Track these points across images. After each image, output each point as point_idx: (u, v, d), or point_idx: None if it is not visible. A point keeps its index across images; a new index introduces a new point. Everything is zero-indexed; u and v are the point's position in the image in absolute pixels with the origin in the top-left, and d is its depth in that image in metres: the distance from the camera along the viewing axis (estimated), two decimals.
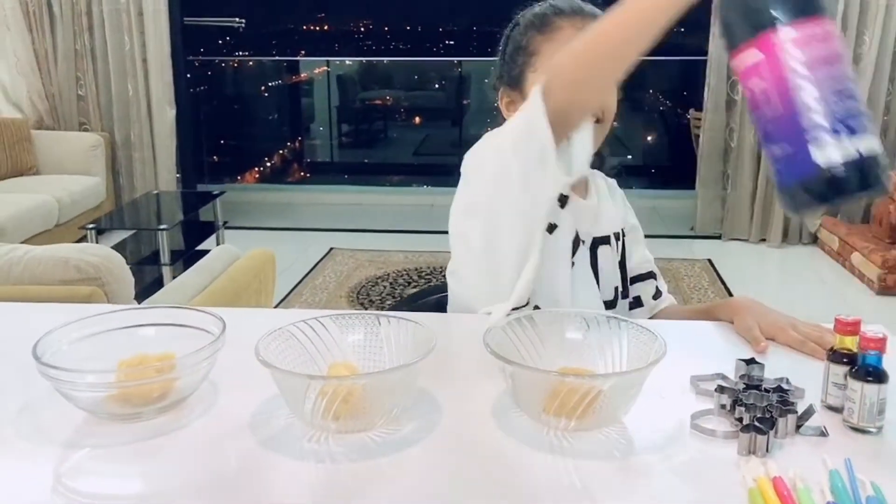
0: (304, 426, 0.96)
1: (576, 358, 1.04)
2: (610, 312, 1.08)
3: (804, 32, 0.76)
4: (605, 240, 1.39)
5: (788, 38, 0.76)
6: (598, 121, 1.31)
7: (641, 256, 1.51)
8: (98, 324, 1.08)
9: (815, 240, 5.26)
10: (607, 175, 1.52)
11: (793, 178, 0.79)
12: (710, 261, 4.98)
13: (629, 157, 7.84)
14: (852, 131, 0.76)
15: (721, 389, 1.01)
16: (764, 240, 5.33)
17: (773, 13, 0.77)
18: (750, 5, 0.79)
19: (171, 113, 5.50)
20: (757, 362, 1.09)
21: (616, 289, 1.41)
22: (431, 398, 1.04)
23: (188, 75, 5.93)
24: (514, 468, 0.91)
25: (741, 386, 1.02)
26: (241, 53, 7.82)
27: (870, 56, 4.89)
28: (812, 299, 4.44)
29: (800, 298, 4.45)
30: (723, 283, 4.60)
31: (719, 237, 5.42)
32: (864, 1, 4.85)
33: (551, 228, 1.27)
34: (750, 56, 0.79)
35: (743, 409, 0.96)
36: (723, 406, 1.00)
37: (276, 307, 3.50)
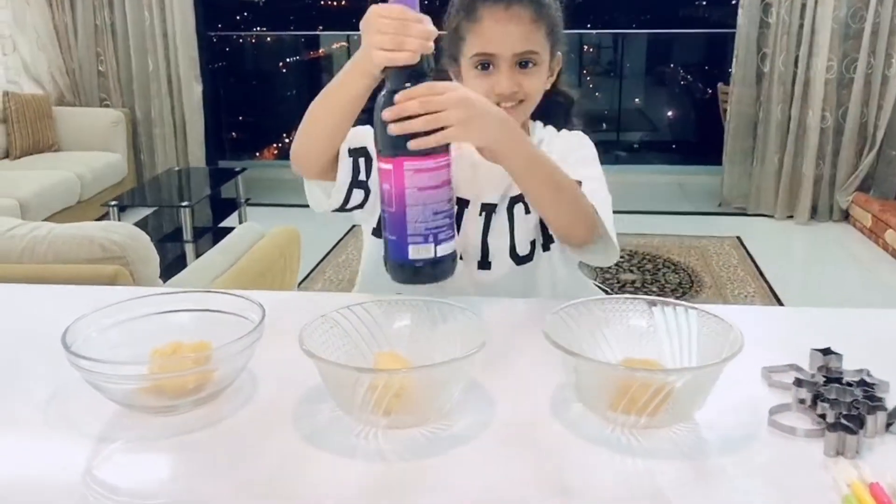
0: (351, 420, 0.89)
1: (641, 347, 0.97)
2: (674, 300, 1.00)
3: (422, 166, 1.03)
4: (519, 198, 1.39)
5: (411, 166, 1.03)
6: (521, 101, 1.35)
7: None
8: (129, 310, 1.01)
9: (845, 216, 5.14)
10: (575, 126, 1.50)
11: (395, 258, 1.09)
12: (738, 238, 4.87)
13: (654, 132, 7.72)
14: (438, 240, 1.06)
15: (799, 382, 0.93)
16: (791, 216, 5.22)
17: (405, 149, 1.03)
18: (391, 136, 1.03)
19: (198, 89, 5.45)
20: (834, 352, 1.01)
21: (533, 242, 1.41)
22: (483, 391, 0.97)
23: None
24: (578, 469, 0.84)
25: (821, 379, 0.94)
26: (259, 28, 7.73)
27: None
28: (846, 279, 4.34)
29: (833, 278, 4.35)
30: (752, 261, 4.50)
31: (745, 213, 5.31)
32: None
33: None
34: (385, 165, 1.05)
35: (826, 405, 0.88)
36: (801, 401, 0.92)
37: (299, 285, 3.44)
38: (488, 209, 1.39)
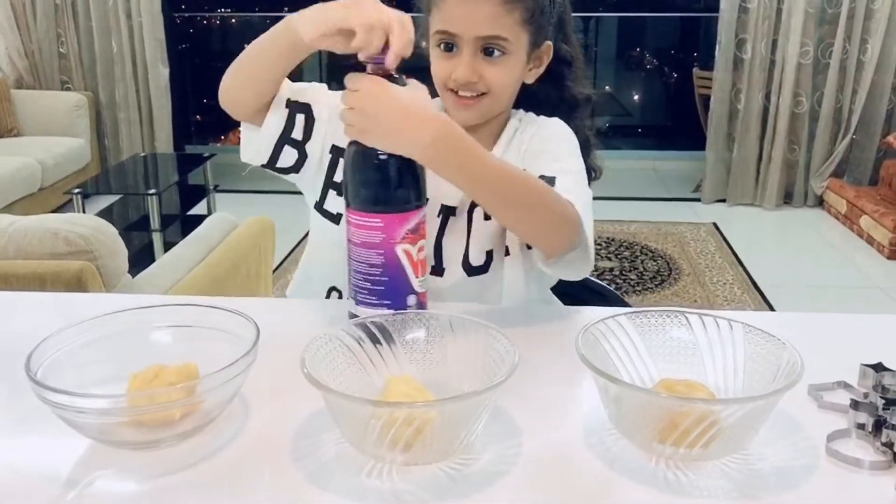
0: (361, 456, 0.79)
1: (679, 365, 0.87)
2: (716, 312, 0.91)
3: (352, 217, 1.00)
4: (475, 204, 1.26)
5: (348, 215, 1.01)
6: (482, 94, 1.22)
7: None
8: (102, 326, 0.89)
9: (819, 202, 5.12)
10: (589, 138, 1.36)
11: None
12: (715, 224, 4.83)
13: (627, 116, 7.65)
14: (357, 301, 1.01)
15: (856, 405, 0.84)
16: (766, 202, 5.19)
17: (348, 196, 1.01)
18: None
19: (164, 72, 5.27)
20: (887, 368, 0.92)
21: (489, 252, 1.26)
22: (508, 417, 0.86)
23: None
24: None
25: (878, 400, 0.85)
26: (224, 10, 7.53)
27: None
28: (822, 264, 4.31)
29: (809, 264, 4.33)
30: (730, 247, 4.46)
31: (724, 200, 5.27)
32: None
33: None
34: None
35: (893, 432, 0.79)
36: (860, 425, 0.83)
37: (273, 272, 3.32)
38: (446, 211, 1.25)
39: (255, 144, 1.24)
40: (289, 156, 1.24)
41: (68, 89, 5.30)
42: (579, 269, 1.16)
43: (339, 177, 1.26)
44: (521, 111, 1.34)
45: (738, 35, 4.96)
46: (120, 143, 5.39)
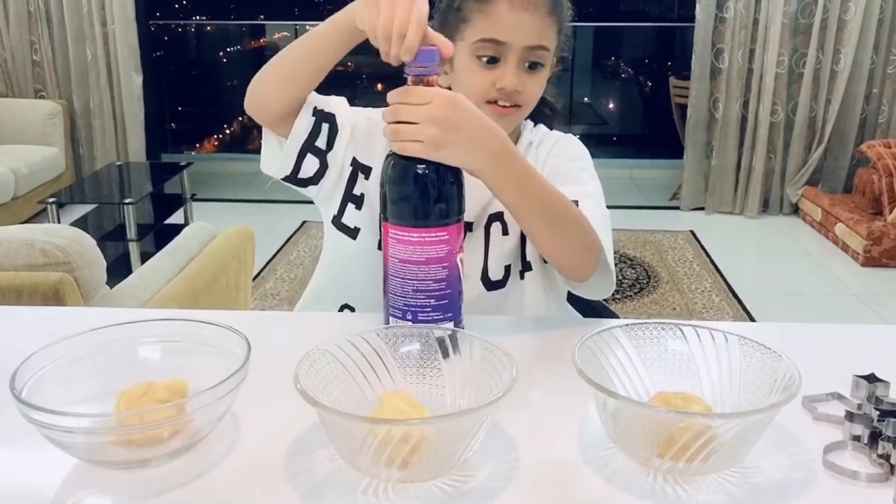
0: (356, 473, 0.77)
1: (674, 377, 0.87)
2: (710, 324, 0.90)
3: (403, 236, 0.95)
4: (497, 216, 1.25)
5: (395, 234, 0.96)
6: (517, 107, 1.21)
7: None
8: (88, 342, 0.87)
9: (795, 210, 5.17)
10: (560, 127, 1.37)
11: (384, 318, 1.00)
12: (692, 232, 4.86)
13: (603, 125, 7.68)
14: (417, 319, 0.97)
15: (850, 417, 0.84)
16: (743, 210, 5.25)
17: (391, 214, 0.97)
18: (383, 196, 0.98)
19: (138, 80, 5.22)
20: (879, 379, 0.92)
21: (508, 267, 1.26)
22: (504, 432, 0.85)
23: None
24: None
25: (873, 411, 0.85)
26: (199, 17, 7.49)
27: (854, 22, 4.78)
28: (798, 272, 4.35)
29: (785, 271, 4.37)
30: (707, 255, 4.49)
31: (702, 208, 5.31)
32: None
33: None
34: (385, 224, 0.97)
35: (889, 444, 0.79)
36: (856, 437, 0.83)
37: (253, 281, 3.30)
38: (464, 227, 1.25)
39: (276, 153, 1.22)
40: (310, 165, 1.22)
41: (42, 97, 5.25)
42: (602, 290, 1.17)
43: (358, 189, 1.25)
44: (530, 123, 1.34)
45: (715, 44, 5.01)
46: (94, 151, 5.33)
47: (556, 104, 1.39)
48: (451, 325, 0.97)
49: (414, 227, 0.94)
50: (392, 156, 0.97)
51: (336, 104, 1.23)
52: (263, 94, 1.17)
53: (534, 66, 1.19)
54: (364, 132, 1.25)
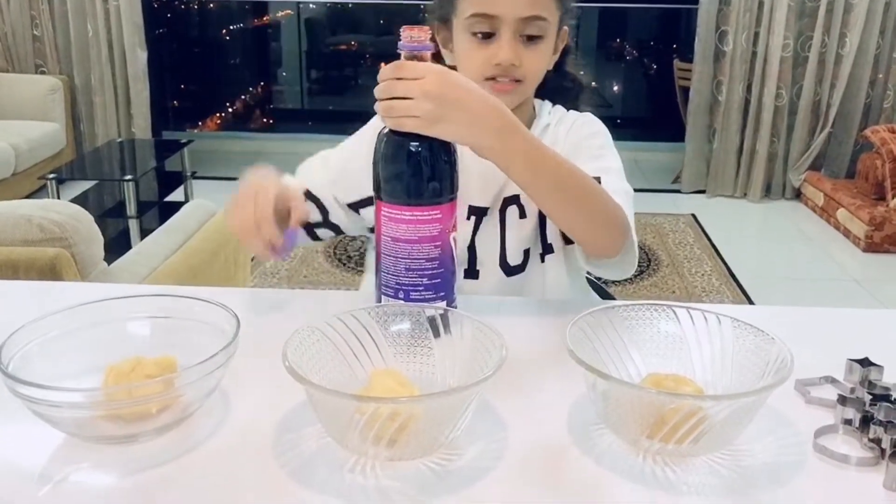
0: (344, 451, 0.77)
1: (667, 359, 0.86)
2: (704, 306, 0.90)
3: (396, 214, 0.95)
4: (513, 199, 1.23)
5: (387, 212, 0.96)
6: (518, 81, 1.18)
7: None
8: (77, 317, 0.87)
9: (797, 195, 5.15)
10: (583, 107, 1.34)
11: (376, 297, 1.00)
12: (693, 215, 4.84)
13: (607, 108, 7.64)
14: (409, 298, 0.96)
15: (843, 401, 0.84)
16: (745, 194, 5.22)
17: (383, 191, 0.96)
18: (375, 174, 0.97)
19: (143, 56, 5.20)
20: (873, 364, 0.91)
21: (526, 251, 1.24)
22: (493, 411, 0.85)
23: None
24: None
25: (865, 396, 0.85)
26: None
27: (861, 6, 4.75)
28: (799, 257, 4.34)
29: (786, 256, 4.36)
30: (708, 239, 4.47)
31: (703, 192, 5.29)
32: None
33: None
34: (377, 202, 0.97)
35: (880, 428, 0.79)
36: (847, 422, 0.82)
37: (252, 259, 3.29)
38: (478, 212, 1.22)
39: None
40: (326, 234, 1.26)
41: (43, 73, 5.22)
42: (624, 269, 1.15)
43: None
44: (548, 103, 1.32)
45: (719, 27, 4.97)
46: (95, 128, 5.31)
47: (578, 76, 1.34)
48: (443, 304, 0.96)
49: (407, 205, 0.93)
50: (385, 133, 0.96)
51: (313, 182, 1.25)
52: None
53: (532, 39, 1.16)
54: (340, 179, 1.26)
